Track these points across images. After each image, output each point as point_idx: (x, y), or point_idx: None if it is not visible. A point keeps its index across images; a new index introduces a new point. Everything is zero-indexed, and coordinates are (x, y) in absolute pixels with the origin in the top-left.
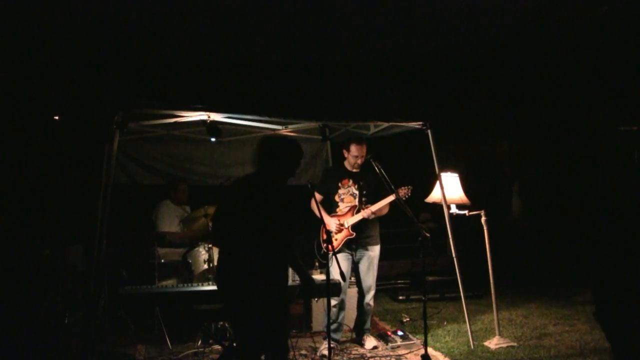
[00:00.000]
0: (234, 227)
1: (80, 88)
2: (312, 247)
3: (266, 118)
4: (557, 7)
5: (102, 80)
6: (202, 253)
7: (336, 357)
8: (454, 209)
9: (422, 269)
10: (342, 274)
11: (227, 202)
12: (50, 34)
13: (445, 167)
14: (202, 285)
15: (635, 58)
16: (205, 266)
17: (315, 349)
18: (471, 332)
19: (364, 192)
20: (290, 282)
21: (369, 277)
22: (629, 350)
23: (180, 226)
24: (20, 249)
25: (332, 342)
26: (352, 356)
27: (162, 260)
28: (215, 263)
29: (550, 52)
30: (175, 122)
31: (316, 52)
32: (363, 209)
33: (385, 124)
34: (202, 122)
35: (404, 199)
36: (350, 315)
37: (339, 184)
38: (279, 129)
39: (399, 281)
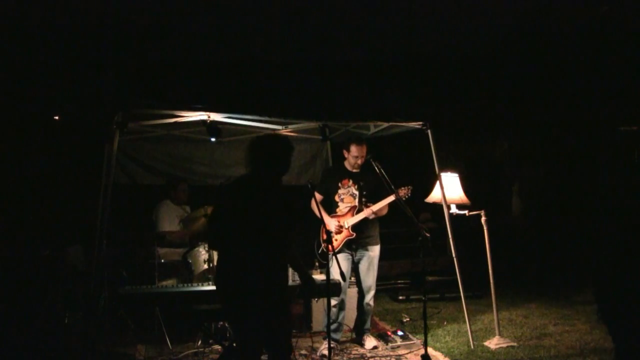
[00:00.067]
0: (232, 229)
1: (80, 88)
2: (312, 247)
3: (266, 118)
4: (557, 7)
5: (102, 80)
6: (202, 253)
7: (336, 357)
8: (454, 209)
9: (422, 269)
10: (342, 274)
11: (223, 205)
12: (50, 34)
13: (445, 167)
14: (202, 285)
15: (635, 58)
16: (205, 266)
17: (315, 349)
18: (471, 332)
19: (364, 192)
20: (290, 282)
21: (369, 277)
22: (631, 349)
23: (180, 226)
24: (20, 249)
25: (332, 342)
26: (352, 356)
27: (162, 260)
28: (215, 263)
29: (550, 52)
30: (175, 122)
31: (316, 52)
32: (365, 209)
33: (385, 124)
34: (202, 122)
35: (404, 199)
36: (350, 315)
37: (339, 184)
38: (279, 129)
39: (399, 281)
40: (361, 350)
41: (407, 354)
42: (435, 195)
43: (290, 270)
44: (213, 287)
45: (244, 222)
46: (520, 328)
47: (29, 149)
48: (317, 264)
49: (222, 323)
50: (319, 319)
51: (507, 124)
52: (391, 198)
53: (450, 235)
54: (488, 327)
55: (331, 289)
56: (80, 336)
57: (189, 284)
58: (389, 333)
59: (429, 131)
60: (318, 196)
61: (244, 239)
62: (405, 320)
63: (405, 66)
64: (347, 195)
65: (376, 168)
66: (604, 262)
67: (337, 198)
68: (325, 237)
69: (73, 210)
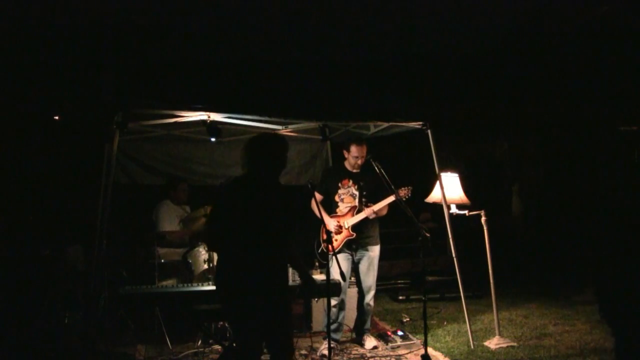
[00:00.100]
0: (231, 229)
1: (80, 88)
2: (312, 247)
3: (266, 118)
4: (557, 7)
5: (102, 80)
6: (202, 253)
7: (336, 357)
8: (454, 209)
9: (422, 269)
10: (342, 274)
11: (221, 206)
12: (50, 34)
13: (445, 167)
14: (202, 285)
15: (635, 58)
16: (205, 266)
17: (315, 349)
18: (471, 332)
19: (364, 192)
20: (290, 282)
21: (369, 278)
22: (633, 349)
23: (181, 226)
24: (20, 249)
25: (332, 342)
26: (352, 356)
27: (162, 260)
28: (215, 263)
29: (550, 52)
30: (175, 122)
31: (316, 52)
32: (366, 208)
33: (385, 124)
34: (202, 122)
35: (404, 199)
36: (350, 315)
37: (339, 184)
38: (279, 129)
39: (399, 281)
40: (361, 350)
41: (407, 354)
42: (435, 195)
43: (290, 270)
44: (213, 287)
45: (243, 222)
46: (520, 328)
47: (29, 149)
48: (317, 264)
49: (222, 323)
50: (319, 319)
51: (507, 124)
52: (391, 198)
53: (450, 235)
54: (488, 327)
55: (331, 289)
56: (80, 336)
57: (189, 284)
58: (389, 333)
59: (429, 131)
60: (318, 196)
61: (244, 239)
62: (405, 320)
63: (405, 66)
64: (347, 196)
65: (376, 168)
66: (604, 262)
67: (337, 198)
68: (325, 237)
69: (73, 210)
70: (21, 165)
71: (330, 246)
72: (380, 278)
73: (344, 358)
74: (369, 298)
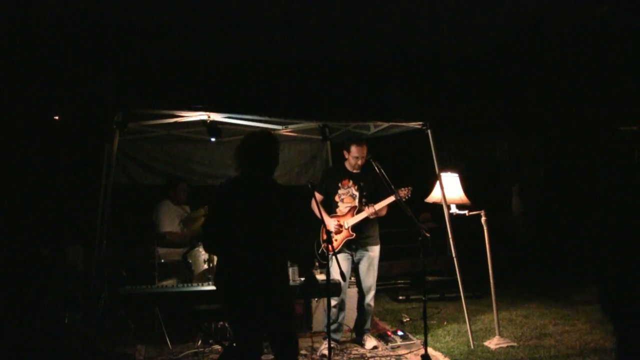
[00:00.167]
0: (229, 230)
1: (80, 88)
2: (312, 247)
3: (266, 118)
4: (557, 7)
5: (102, 80)
6: (202, 253)
7: (336, 357)
8: (454, 209)
9: (422, 269)
10: (342, 273)
11: (218, 207)
12: (50, 34)
13: (445, 167)
14: (202, 285)
15: (635, 58)
16: (205, 266)
17: (315, 349)
18: (471, 332)
19: (364, 193)
20: (290, 282)
21: (369, 278)
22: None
23: (181, 226)
24: (20, 249)
25: (332, 342)
26: (352, 356)
27: (162, 260)
28: (215, 263)
29: (550, 52)
30: (175, 122)
31: (316, 52)
32: (366, 208)
33: (385, 124)
34: (202, 122)
35: (404, 199)
36: (350, 315)
37: (339, 184)
38: (279, 129)
39: (399, 281)
40: (361, 350)
41: (407, 354)
42: (435, 195)
43: (290, 270)
44: (213, 287)
45: (241, 222)
46: (520, 328)
47: (29, 149)
48: (317, 264)
49: (222, 323)
50: (319, 319)
51: (507, 124)
52: (391, 198)
53: (450, 235)
54: (488, 327)
55: (331, 289)
56: (80, 336)
57: (189, 284)
58: (389, 333)
59: (429, 131)
60: (318, 196)
61: (242, 240)
62: (405, 320)
63: (405, 66)
64: (347, 196)
65: (376, 168)
66: (605, 262)
67: (337, 198)
68: (325, 237)
69: (73, 210)
70: (21, 165)
71: (330, 246)
72: (380, 278)
73: (344, 358)
74: (369, 298)
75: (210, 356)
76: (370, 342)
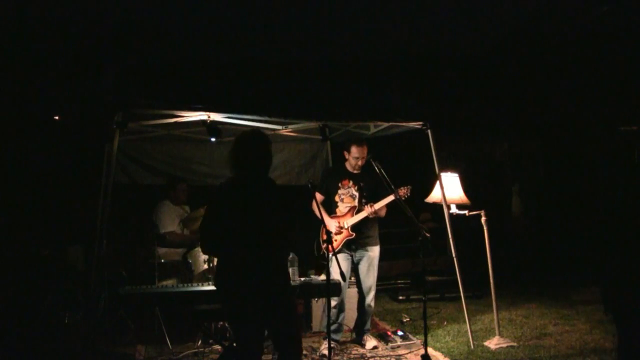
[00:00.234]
0: (227, 231)
1: (80, 88)
2: (312, 247)
3: (266, 118)
4: (557, 7)
5: (102, 80)
6: (202, 253)
7: (336, 357)
8: (454, 209)
9: (422, 269)
10: (342, 274)
11: (214, 210)
12: (51, 34)
13: (445, 167)
14: (202, 285)
15: (635, 58)
16: (205, 266)
17: (315, 349)
18: (471, 332)
19: (364, 193)
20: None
21: (369, 278)
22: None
23: (180, 226)
24: (20, 249)
25: (332, 342)
26: (352, 356)
27: (162, 260)
28: (215, 263)
29: (550, 52)
30: (175, 122)
31: (316, 52)
32: (366, 208)
33: (385, 124)
34: (202, 122)
35: (403, 198)
36: (350, 315)
37: (339, 184)
38: (279, 129)
39: (399, 281)
40: (361, 351)
41: (407, 354)
42: (435, 195)
43: (291, 270)
44: (213, 287)
45: (239, 223)
46: (520, 328)
47: (29, 149)
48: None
49: (222, 323)
50: (319, 319)
51: (507, 124)
52: (391, 197)
53: (450, 235)
54: (488, 327)
55: (331, 289)
56: (80, 336)
57: (189, 284)
58: (389, 333)
59: (429, 131)
60: (319, 196)
61: (241, 240)
62: (405, 320)
63: (405, 66)
64: (347, 196)
65: (376, 168)
66: (606, 263)
67: (337, 198)
68: (325, 237)
69: (73, 210)
70: (21, 165)
71: (330, 246)
72: (380, 278)
73: (344, 358)
74: (370, 299)
75: (210, 356)
76: (370, 342)
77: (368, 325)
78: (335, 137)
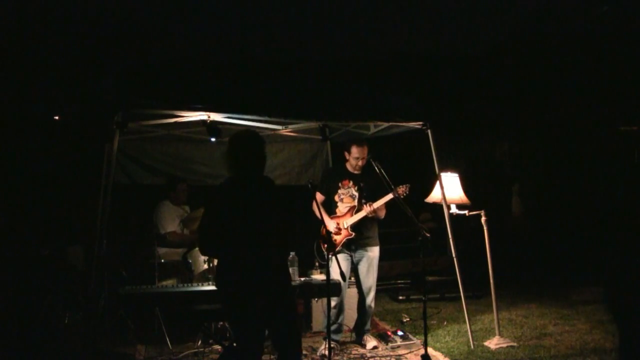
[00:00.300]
0: (226, 232)
1: (80, 88)
2: (312, 247)
3: (266, 118)
4: (557, 8)
5: (102, 80)
6: (201, 254)
7: (336, 357)
8: (454, 209)
9: (422, 269)
10: (342, 273)
11: (212, 211)
12: (51, 34)
13: (445, 167)
14: (202, 285)
15: (635, 58)
16: (205, 266)
17: (315, 349)
18: (471, 332)
19: (364, 193)
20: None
21: (369, 279)
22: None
23: (181, 226)
24: (20, 249)
25: (332, 342)
26: (352, 356)
27: (162, 260)
28: (215, 264)
29: (550, 52)
30: (175, 122)
31: (316, 52)
32: (365, 207)
33: (385, 124)
34: (202, 122)
35: (402, 196)
36: (350, 315)
37: (339, 184)
38: (279, 129)
39: (399, 281)
40: (361, 351)
41: (407, 354)
42: (435, 195)
43: (291, 270)
44: (213, 287)
45: (239, 223)
46: (520, 328)
47: (29, 149)
48: (317, 264)
49: (222, 323)
50: (319, 319)
51: (507, 125)
52: (390, 196)
53: (450, 235)
54: (488, 327)
55: (331, 289)
56: (80, 336)
57: (189, 284)
58: (389, 333)
59: (429, 131)
60: (320, 196)
61: (240, 240)
62: (405, 320)
63: (405, 66)
64: (346, 196)
65: (376, 168)
66: (607, 263)
67: (336, 198)
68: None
69: (73, 210)
70: (21, 165)
71: (330, 246)
72: (380, 278)
73: (344, 358)
74: (370, 299)
75: (210, 356)
76: (370, 342)
77: (368, 326)
78: (335, 137)
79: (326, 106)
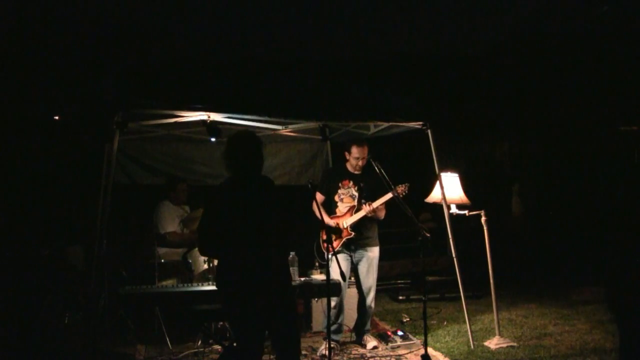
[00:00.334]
0: (226, 232)
1: (80, 88)
2: (312, 247)
3: (266, 118)
4: (557, 8)
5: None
6: (200, 255)
7: (336, 357)
8: (454, 209)
9: (422, 269)
10: (342, 273)
11: (211, 212)
12: (51, 34)
13: (445, 167)
14: (202, 285)
15: (635, 58)
16: (205, 266)
17: (315, 349)
18: (471, 332)
19: (364, 194)
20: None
21: (369, 279)
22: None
23: (181, 226)
24: (20, 249)
25: (332, 342)
26: (352, 356)
27: (162, 260)
28: (216, 264)
29: (550, 52)
30: (175, 122)
31: (316, 52)
32: (364, 206)
33: (385, 124)
34: (202, 122)
35: (401, 195)
36: (350, 315)
37: (339, 184)
38: (279, 129)
39: (399, 281)
40: (361, 350)
41: (407, 354)
42: (435, 195)
43: (291, 270)
44: (213, 287)
45: (239, 223)
46: (520, 328)
47: (29, 149)
48: (317, 264)
49: (222, 323)
50: (319, 319)
51: (507, 125)
52: (389, 195)
53: (450, 235)
54: (488, 327)
55: (331, 289)
56: (80, 336)
57: (189, 284)
58: (389, 333)
59: (429, 131)
60: (320, 196)
61: (241, 240)
62: (405, 320)
63: (405, 66)
64: (346, 196)
65: (376, 168)
66: (608, 263)
67: (336, 198)
68: (325, 237)
69: (73, 210)
70: (21, 165)
71: (330, 246)
72: (380, 278)
73: (344, 358)
74: (370, 300)
75: (210, 356)
76: (370, 342)
77: (368, 326)
78: (335, 137)
79: (326, 106)
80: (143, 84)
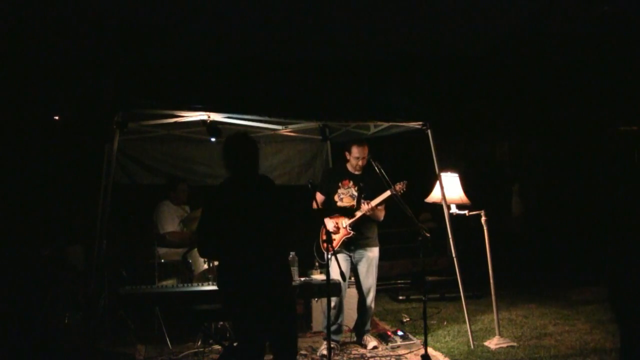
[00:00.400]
0: (226, 232)
1: (80, 88)
2: (312, 247)
3: (266, 118)
4: (557, 8)
5: (102, 83)
6: (200, 256)
7: (336, 357)
8: (454, 209)
9: (422, 269)
10: (342, 273)
11: (210, 212)
12: (51, 34)
13: (445, 167)
14: (202, 285)
15: (635, 58)
16: (205, 266)
17: (315, 349)
18: (471, 332)
19: (364, 193)
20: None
21: (369, 279)
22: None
23: (181, 226)
24: (20, 249)
25: (332, 342)
26: (352, 356)
27: (162, 260)
28: (216, 264)
29: (551, 52)
30: (175, 122)
31: (316, 52)
32: (363, 205)
33: (385, 124)
34: (202, 122)
35: (399, 193)
36: (350, 315)
37: (339, 184)
38: (279, 129)
39: (399, 281)
40: (361, 350)
41: (407, 354)
42: (435, 195)
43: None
44: (213, 287)
45: (238, 224)
46: (520, 328)
47: (29, 149)
48: (317, 264)
49: (222, 323)
50: (319, 319)
51: (507, 125)
52: (387, 193)
53: (450, 235)
54: (488, 327)
55: (331, 289)
56: (80, 336)
57: (189, 284)
58: (389, 333)
59: (429, 131)
60: (319, 196)
61: (241, 240)
62: (405, 320)
63: (405, 66)
64: (346, 196)
65: (376, 168)
66: (609, 263)
67: (336, 198)
68: (325, 237)
69: (73, 210)
70: (21, 165)
71: (330, 246)
72: (380, 278)
73: (344, 358)
74: (370, 300)
75: (210, 356)
76: (370, 342)
77: (368, 326)
78: (335, 137)
79: (326, 106)
80: (143, 84)
